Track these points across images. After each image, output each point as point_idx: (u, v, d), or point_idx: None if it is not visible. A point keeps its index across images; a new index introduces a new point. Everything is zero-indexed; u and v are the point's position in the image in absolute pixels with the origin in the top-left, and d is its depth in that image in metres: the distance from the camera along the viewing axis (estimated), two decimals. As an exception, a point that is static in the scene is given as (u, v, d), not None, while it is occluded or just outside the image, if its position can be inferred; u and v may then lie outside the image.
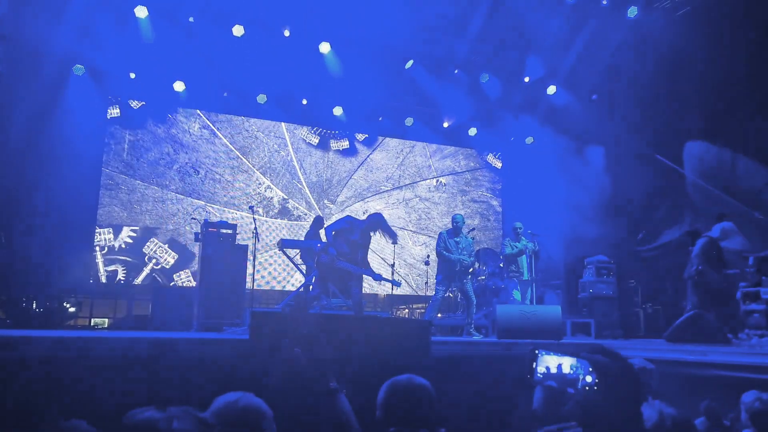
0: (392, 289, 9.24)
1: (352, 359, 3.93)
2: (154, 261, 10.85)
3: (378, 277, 7.38)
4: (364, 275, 7.37)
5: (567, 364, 1.63)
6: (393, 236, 7.11)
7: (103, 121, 10.69)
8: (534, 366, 1.68)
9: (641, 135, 11.06)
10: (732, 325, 7.18)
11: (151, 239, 10.90)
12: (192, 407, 1.65)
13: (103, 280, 10.47)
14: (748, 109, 9.20)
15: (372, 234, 7.03)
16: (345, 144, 12.85)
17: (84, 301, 9.82)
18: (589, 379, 1.58)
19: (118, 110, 10.85)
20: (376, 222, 6.98)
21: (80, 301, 9.71)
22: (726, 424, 3.45)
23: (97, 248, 10.51)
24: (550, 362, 1.66)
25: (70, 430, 1.64)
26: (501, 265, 10.50)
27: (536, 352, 1.68)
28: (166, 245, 10.98)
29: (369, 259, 7.10)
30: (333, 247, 6.74)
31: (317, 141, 12.59)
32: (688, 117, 10.14)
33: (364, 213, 12.08)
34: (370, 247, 7.15)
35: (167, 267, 10.92)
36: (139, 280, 10.69)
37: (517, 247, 9.20)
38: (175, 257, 10.99)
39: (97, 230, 10.54)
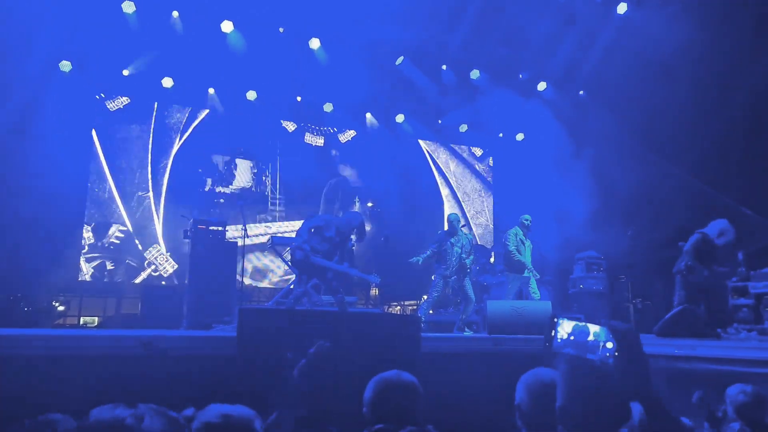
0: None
1: (342, 355, 3.91)
2: (153, 267, 10.76)
3: (354, 273, 7.36)
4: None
5: (589, 331, 1.59)
6: (361, 237, 6.99)
7: (90, 117, 10.59)
8: (553, 334, 1.63)
9: (632, 131, 11.09)
10: (721, 320, 7.20)
11: (154, 245, 10.80)
12: (165, 406, 1.61)
13: (88, 278, 10.38)
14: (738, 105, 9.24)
15: (351, 234, 6.92)
16: (353, 133, 12.86)
17: (73, 300, 9.74)
18: (610, 345, 1.54)
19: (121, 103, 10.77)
20: (353, 219, 6.93)
21: (69, 299, 9.64)
22: (719, 416, 3.46)
23: (86, 246, 10.42)
24: (570, 329, 1.62)
25: (49, 423, 1.61)
26: (492, 260, 10.50)
27: (555, 320, 1.64)
28: (168, 254, 10.87)
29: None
30: (308, 244, 6.65)
31: (322, 141, 12.57)
32: (679, 113, 10.16)
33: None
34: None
35: (165, 275, 10.82)
36: (137, 281, 10.61)
37: (523, 243, 8.65)
38: (175, 267, 10.85)
39: (85, 228, 10.45)
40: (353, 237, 6.96)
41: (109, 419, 1.49)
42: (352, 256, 8.58)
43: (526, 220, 8.80)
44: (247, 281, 9.68)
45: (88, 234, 10.49)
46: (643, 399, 1.50)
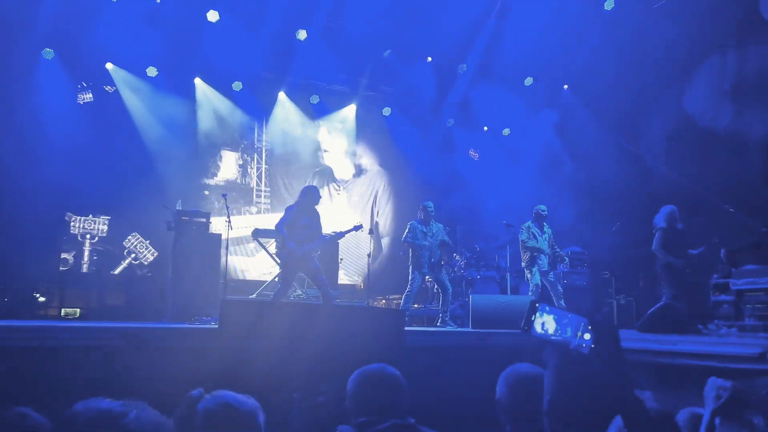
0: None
1: (326, 349, 3.89)
2: (133, 255, 10.61)
3: (341, 235, 7.46)
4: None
5: (568, 319, 1.58)
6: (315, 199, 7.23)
7: (74, 106, 10.42)
8: (532, 318, 1.62)
9: (617, 127, 11.16)
10: (702, 316, 7.29)
11: (133, 233, 10.64)
12: (148, 398, 1.58)
13: (71, 268, 10.24)
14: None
15: (314, 205, 7.18)
16: (340, 123, 12.78)
17: (55, 291, 9.59)
18: (587, 336, 1.53)
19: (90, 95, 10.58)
20: (304, 193, 7.19)
21: (50, 290, 9.49)
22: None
23: (70, 237, 10.27)
24: (549, 316, 1.61)
25: (17, 418, 1.57)
26: (477, 255, 10.52)
27: (536, 305, 1.63)
28: (147, 241, 10.70)
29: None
30: (290, 241, 6.81)
31: (311, 131, 12.54)
32: (665, 109, 10.24)
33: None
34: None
35: (145, 264, 10.67)
36: (116, 272, 10.46)
37: (536, 237, 8.50)
38: (155, 254, 10.70)
39: (68, 217, 10.29)
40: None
41: (95, 412, 1.47)
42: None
43: (542, 210, 8.70)
44: (231, 274, 9.60)
45: (70, 224, 10.33)
46: (621, 401, 1.49)
